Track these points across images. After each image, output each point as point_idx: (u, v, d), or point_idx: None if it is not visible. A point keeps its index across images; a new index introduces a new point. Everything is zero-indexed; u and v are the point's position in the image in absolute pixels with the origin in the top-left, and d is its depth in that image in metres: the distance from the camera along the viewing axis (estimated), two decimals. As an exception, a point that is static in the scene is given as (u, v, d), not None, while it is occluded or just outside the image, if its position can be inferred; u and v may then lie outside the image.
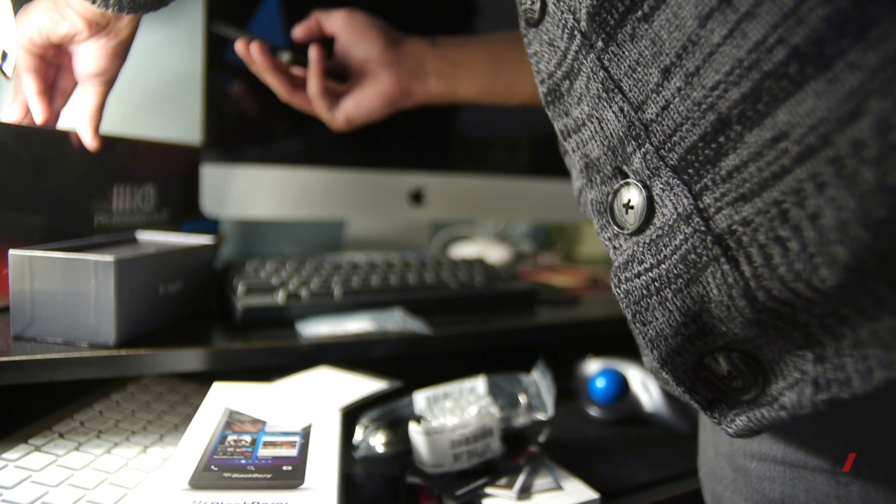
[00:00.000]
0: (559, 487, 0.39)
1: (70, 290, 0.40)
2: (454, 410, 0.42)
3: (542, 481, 0.39)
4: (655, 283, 0.26)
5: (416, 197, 0.80)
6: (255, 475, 0.31)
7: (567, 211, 0.89)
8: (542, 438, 0.46)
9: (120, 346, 0.41)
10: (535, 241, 1.18)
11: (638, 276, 0.26)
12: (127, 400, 0.47)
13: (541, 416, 0.44)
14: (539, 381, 0.46)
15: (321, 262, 0.61)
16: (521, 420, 0.44)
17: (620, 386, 0.52)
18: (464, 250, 0.99)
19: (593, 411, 0.53)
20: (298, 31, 0.63)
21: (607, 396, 0.52)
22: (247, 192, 0.72)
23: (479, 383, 0.45)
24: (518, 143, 0.90)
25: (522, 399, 0.46)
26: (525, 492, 0.38)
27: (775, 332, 0.23)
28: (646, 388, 0.53)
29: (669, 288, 0.25)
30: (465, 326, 0.53)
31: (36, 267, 0.40)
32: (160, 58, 0.84)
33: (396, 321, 0.50)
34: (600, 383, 0.52)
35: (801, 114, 0.20)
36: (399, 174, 0.79)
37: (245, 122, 0.72)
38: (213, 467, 0.32)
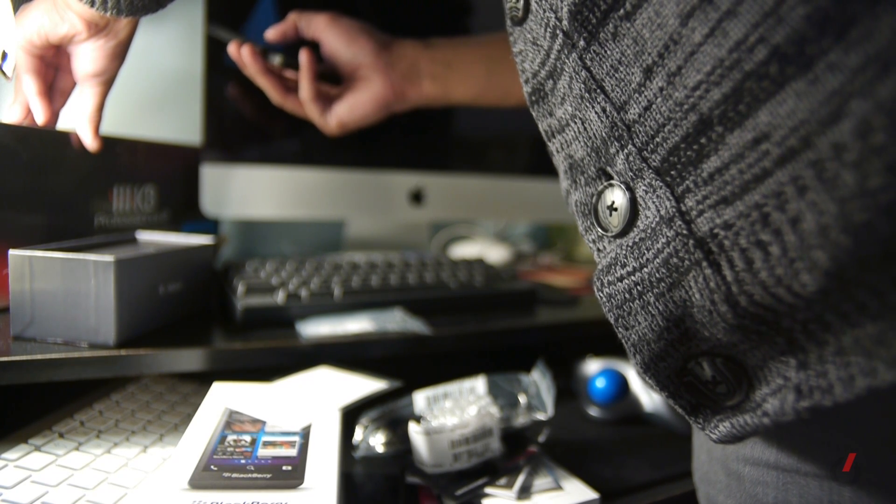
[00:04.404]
0: (559, 487, 0.39)
1: (70, 290, 0.40)
2: (454, 410, 0.42)
3: (541, 481, 0.39)
4: (638, 287, 0.25)
5: (416, 197, 0.80)
6: (254, 475, 0.31)
7: (567, 211, 0.89)
8: (541, 438, 0.46)
9: (120, 346, 0.41)
10: (535, 241, 1.18)
11: (621, 279, 0.26)
12: (127, 400, 0.47)
13: (541, 416, 0.44)
14: (539, 381, 0.46)
15: (321, 262, 0.61)
16: (520, 420, 0.44)
17: (620, 386, 0.52)
18: (464, 250, 0.99)
19: (593, 411, 0.53)
20: (272, 33, 0.61)
21: (607, 396, 0.52)
22: (247, 192, 0.72)
23: (479, 383, 0.45)
24: (518, 143, 0.90)
25: (522, 399, 0.46)
26: (525, 492, 0.38)
27: (758, 337, 0.23)
28: (646, 388, 0.53)
29: (652, 292, 0.25)
30: (465, 326, 0.53)
31: (36, 267, 0.40)
32: (160, 58, 0.84)
33: (396, 321, 0.50)
34: (600, 383, 0.52)
35: (781, 115, 0.20)
36: (399, 174, 0.79)
37: (245, 122, 0.72)
38: (212, 467, 0.32)
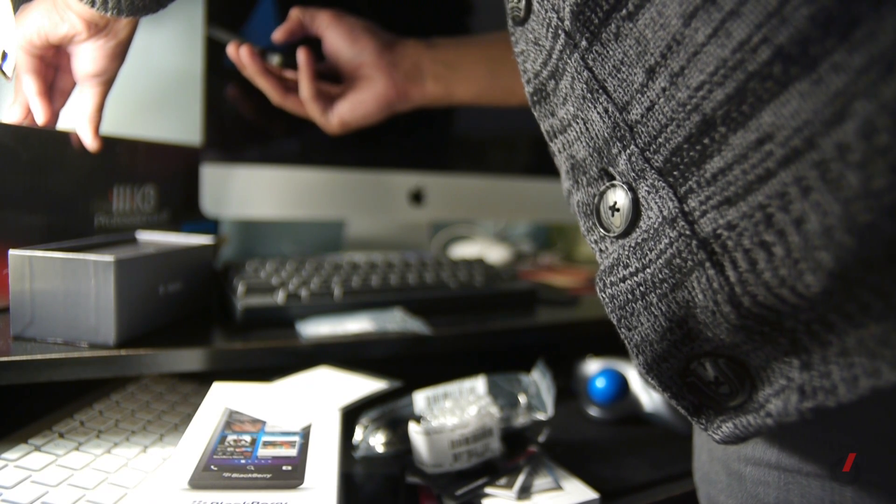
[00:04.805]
0: (559, 487, 0.39)
1: (70, 290, 0.40)
2: (454, 410, 0.42)
3: (541, 481, 0.39)
4: (640, 288, 0.25)
5: (416, 197, 0.80)
6: (254, 475, 0.31)
7: (567, 211, 0.89)
8: (541, 438, 0.46)
9: (120, 346, 0.41)
10: (535, 241, 1.18)
11: (623, 280, 0.26)
12: (127, 400, 0.47)
13: (541, 416, 0.44)
14: (539, 381, 0.46)
15: (321, 262, 0.61)
16: (520, 420, 0.44)
17: (620, 386, 0.52)
18: (464, 250, 0.99)
19: (593, 411, 0.53)
20: (279, 34, 0.61)
21: (607, 396, 0.52)
22: (247, 192, 0.72)
23: (479, 383, 0.45)
24: (518, 143, 0.90)
25: (522, 399, 0.46)
26: (525, 492, 0.38)
27: (761, 337, 0.23)
28: (646, 388, 0.53)
29: (654, 293, 0.25)
30: (465, 326, 0.53)
31: (36, 267, 0.40)
32: (160, 58, 0.84)
33: (396, 321, 0.50)
34: (600, 383, 0.52)
35: (785, 115, 0.20)
36: (399, 174, 0.79)
37: (245, 122, 0.72)
38: (212, 467, 0.32)
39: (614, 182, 0.27)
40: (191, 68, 0.82)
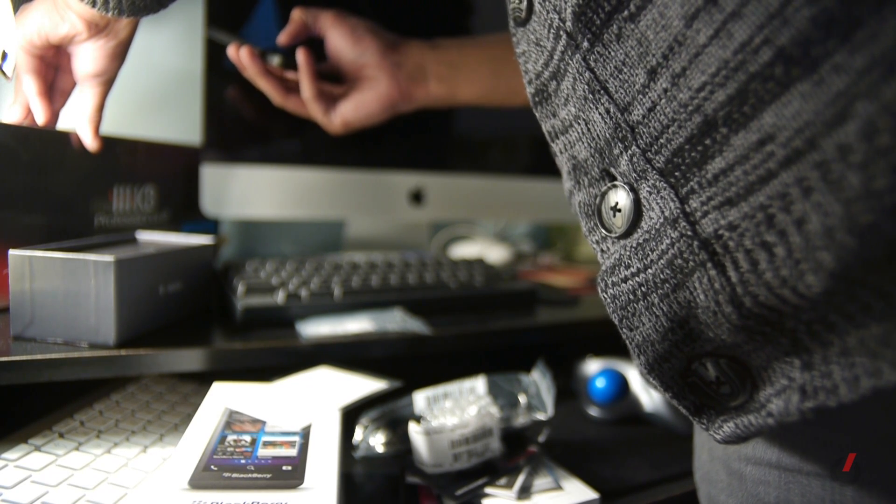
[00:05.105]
0: (559, 487, 0.39)
1: (70, 290, 0.40)
2: (454, 410, 0.42)
3: (541, 481, 0.39)
4: (642, 288, 0.25)
5: (416, 197, 0.80)
6: (254, 475, 0.31)
7: (567, 211, 0.88)
8: (541, 438, 0.46)
9: (120, 346, 0.41)
10: (535, 241, 1.18)
11: (625, 280, 0.26)
12: (127, 400, 0.47)
13: (541, 416, 0.44)
14: (539, 381, 0.46)
15: (321, 262, 0.61)
16: (520, 420, 0.44)
17: (620, 386, 0.52)
18: (464, 250, 0.99)
19: (593, 411, 0.53)
20: (284, 36, 0.61)
21: (607, 396, 0.52)
22: (247, 192, 0.72)
23: (479, 383, 0.45)
24: (518, 143, 0.90)
25: (522, 399, 0.46)
26: (525, 492, 0.38)
27: (763, 338, 0.23)
28: (646, 388, 0.53)
29: (656, 293, 0.25)
30: (465, 326, 0.53)
31: (36, 267, 0.40)
32: (160, 58, 0.84)
33: (396, 321, 0.50)
34: (600, 383, 0.52)
35: (787, 116, 0.20)
36: (399, 174, 0.79)
37: (245, 122, 0.72)
38: (212, 467, 0.32)
39: (616, 183, 0.27)
40: (191, 68, 0.82)
